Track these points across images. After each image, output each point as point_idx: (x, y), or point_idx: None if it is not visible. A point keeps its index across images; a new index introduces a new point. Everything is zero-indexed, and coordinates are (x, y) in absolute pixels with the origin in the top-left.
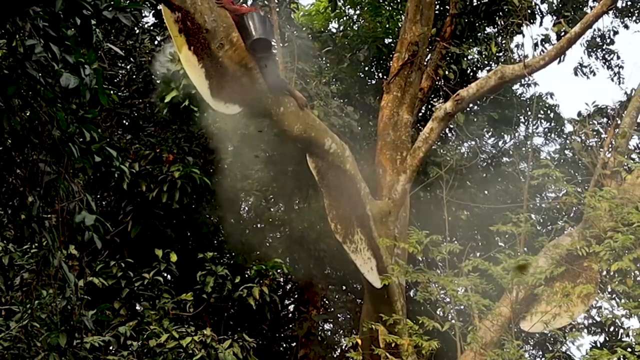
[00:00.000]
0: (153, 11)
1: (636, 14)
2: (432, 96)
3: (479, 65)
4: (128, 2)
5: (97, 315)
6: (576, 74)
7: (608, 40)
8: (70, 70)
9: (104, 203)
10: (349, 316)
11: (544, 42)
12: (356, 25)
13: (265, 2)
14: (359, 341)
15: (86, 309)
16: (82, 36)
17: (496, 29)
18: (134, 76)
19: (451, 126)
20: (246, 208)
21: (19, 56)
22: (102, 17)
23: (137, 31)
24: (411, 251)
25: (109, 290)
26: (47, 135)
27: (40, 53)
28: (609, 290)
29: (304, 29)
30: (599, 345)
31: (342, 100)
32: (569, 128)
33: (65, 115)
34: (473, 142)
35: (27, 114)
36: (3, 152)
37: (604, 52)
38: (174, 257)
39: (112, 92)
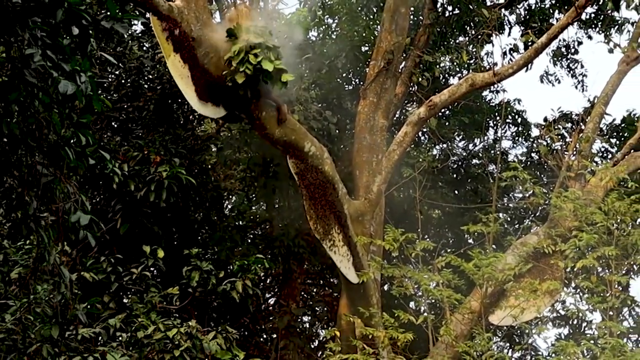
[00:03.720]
0: (142, 19)
1: (599, 26)
2: (406, 102)
3: (450, 72)
4: (120, 13)
5: (87, 308)
6: (542, 82)
7: (573, 50)
8: (66, 77)
9: (94, 201)
10: (326, 309)
11: (512, 51)
12: (334, 34)
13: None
14: (338, 333)
15: (79, 303)
16: (79, 45)
17: (467, 39)
18: (123, 81)
19: (424, 130)
20: (229, 206)
21: (18, 64)
22: (100, 27)
23: (127, 38)
24: (387, 248)
25: (99, 285)
26: (44, 139)
27: (39, 61)
28: (574, 285)
29: (284, 37)
30: (563, 337)
31: (321, 105)
32: (535, 132)
33: (61, 120)
34: (445, 145)
35: (26, 119)
36: (2, 155)
37: (568, 61)
38: (161, 253)
39: (103, 96)
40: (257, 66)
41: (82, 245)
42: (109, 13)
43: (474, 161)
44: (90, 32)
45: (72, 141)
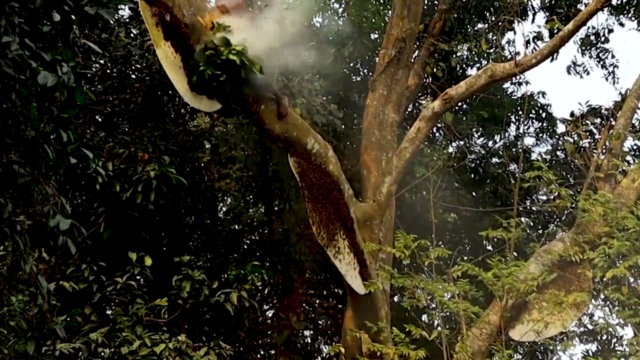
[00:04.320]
0: (129, 4)
1: (632, 11)
2: (420, 94)
3: (468, 62)
4: None
5: (67, 321)
6: (569, 73)
7: (602, 39)
8: (46, 68)
9: (75, 203)
10: (330, 323)
11: (536, 40)
12: (341, 19)
13: None
14: (342, 350)
15: (57, 315)
16: (60, 33)
17: (487, 25)
18: (108, 71)
19: (439, 125)
20: (224, 209)
21: None
22: (83, 13)
23: (113, 25)
24: (398, 256)
25: (80, 295)
26: (22, 135)
27: (16, 50)
28: (603, 297)
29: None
30: (591, 354)
31: (325, 98)
32: (561, 128)
33: (40, 114)
34: (461, 142)
35: (1, 114)
36: None
37: (598, 50)
38: (148, 261)
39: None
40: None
41: (61, 252)
42: None
43: (494, 160)
44: (73, 18)
45: (51, 138)
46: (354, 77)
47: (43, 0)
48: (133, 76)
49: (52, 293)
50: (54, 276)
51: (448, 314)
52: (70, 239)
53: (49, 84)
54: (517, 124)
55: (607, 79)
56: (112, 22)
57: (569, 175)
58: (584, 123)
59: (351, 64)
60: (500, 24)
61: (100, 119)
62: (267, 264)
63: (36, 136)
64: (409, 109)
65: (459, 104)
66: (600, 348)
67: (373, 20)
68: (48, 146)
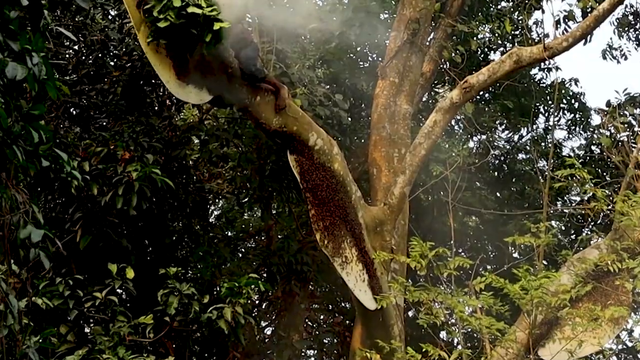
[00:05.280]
0: None
1: None
2: (436, 82)
3: (491, 46)
4: None
5: (40, 342)
6: (604, 58)
7: None
8: (15, 59)
9: (48, 207)
10: (337, 341)
11: (567, 20)
12: None
13: None
14: None
15: (30, 336)
16: (30, 19)
17: (511, 4)
18: (84, 58)
19: (458, 117)
20: (216, 213)
21: None
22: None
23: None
24: (413, 266)
25: (55, 313)
26: None
27: None
28: None
29: (284, 2)
30: None
31: (329, 87)
32: (596, 120)
33: (7, 111)
34: (484, 136)
35: None
36: None
37: (637, 32)
38: (130, 273)
39: (59, 80)
40: (182, 12)
41: (33, 264)
42: None
43: (520, 156)
44: (43, 2)
45: (21, 138)
46: (361, 63)
47: None
48: (112, 63)
49: (24, 311)
50: (25, 292)
51: (469, 331)
52: (43, 251)
53: (18, 77)
54: (546, 115)
55: None
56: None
57: (605, 173)
58: (621, 114)
59: (358, 49)
60: (526, 2)
61: (74, 113)
62: (265, 275)
63: (3, 136)
64: (424, 99)
65: (481, 93)
66: None
67: None
68: (17, 147)
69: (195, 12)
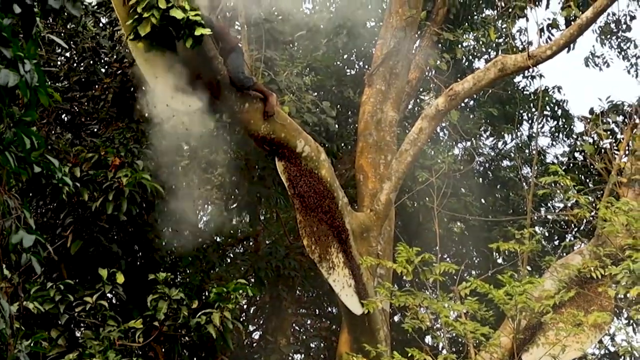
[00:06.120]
0: None
1: None
2: (422, 90)
3: (475, 54)
4: None
5: (32, 346)
6: (587, 65)
7: (624, 27)
8: (7, 65)
9: (39, 212)
10: (323, 346)
11: (550, 28)
12: (333, 5)
13: None
14: None
15: (21, 340)
16: (22, 26)
17: (496, 12)
18: (75, 65)
19: (443, 125)
20: (205, 219)
21: None
22: (47, 8)
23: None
24: (400, 272)
25: (46, 316)
26: None
27: None
28: (626, 317)
29: (272, 9)
30: None
31: (317, 94)
32: (579, 127)
33: (0, 118)
34: (469, 143)
35: None
36: None
37: (619, 39)
38: (120, 278)
39: (51, 86)
40: (165, 14)
41: (24, 268)
42: None
43: (505, 163)
44: (36, 10)
45: (13, 144)
46: (348, 71)
47: None
48: (103, 70)
49: (15, 315)
50: (17, 296)
51: (454, 335)
52: (34, 256)
53: (10, 84)
54: (530, 122)
55: (629, 72)
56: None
57: (588, 180)
58: (604, 121)
59: (345, 56)
60: (510, 10)
61: (66, 119)
62: (253, 281)
63: None
64: (410, 106)
65: (466, 100)
66: None
67: (369, 7)
68: (9, 153)
69: (178, 16)
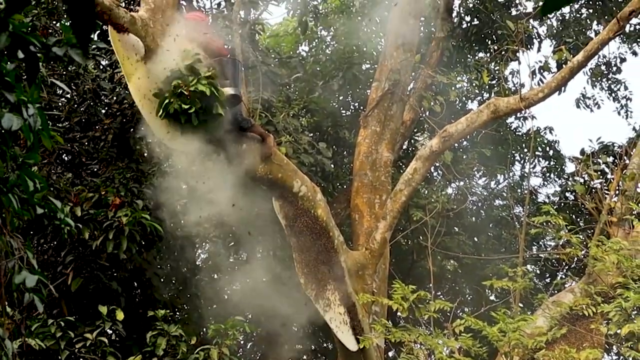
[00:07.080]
0: (98, 32)
1: None
2: (416, 131)
3: (469, 95)
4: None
5: None
6: (578, 106)
7: (614, 69)
8: (11, 109)
9: (40, 249)
10: None
11: (542, 71)
12: (329, 49)
13: (227, 23)
14: None
15: None
16: (26, 71)
17: (489, 55)
18: (76, 106)
19: (437, 165)
20: (202, 256)
21: None
22: (50, 55)
23: None
24: (395, 308)
25: (47, 353)
26: None
27: None
28: (615, 352)
29: (270, 52)
30: None
31: (313, 135)
32: (570, 168)
33: (3, 161)
34: (462, 183)
35: None
36: None
37: (609, 81)
38: (120, 315)
39: (52, 127)
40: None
41: (25, 306)
42: (61, 36)
43: (497, 202)
44: (40, 56)
45: (16, 186)
46: (344, 112)
47: (8, 41)
48: (103, 112)
49: (18, 352)
50: (19, 333)
51: None
52: (37, 295)
53: (14, 128)
54: (522, 162)
55: (619, 113)
56: None
57: (579, 219)
58: (595, 162)
59: (341, 98)
60: (503, 53)
61: (67, 159)
62: (250, 317)
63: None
64: (405, 147)
65: (459, 141)
66: None
67: (364, 50)
68: (12, 195)
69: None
